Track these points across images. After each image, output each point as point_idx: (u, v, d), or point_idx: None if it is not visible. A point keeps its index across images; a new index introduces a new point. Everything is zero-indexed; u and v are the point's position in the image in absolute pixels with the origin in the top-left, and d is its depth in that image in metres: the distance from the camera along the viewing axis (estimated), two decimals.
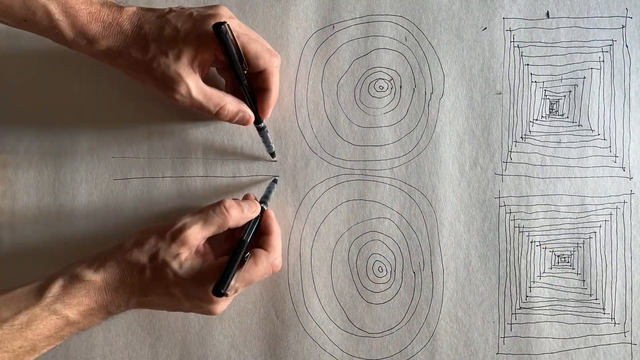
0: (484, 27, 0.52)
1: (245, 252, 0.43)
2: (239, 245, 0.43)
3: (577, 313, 0.51)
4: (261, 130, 0.48)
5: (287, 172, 0.51)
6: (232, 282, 0.40)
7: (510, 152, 0.51)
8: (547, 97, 0.52)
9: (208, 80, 0.45)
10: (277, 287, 0.50)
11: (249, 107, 0.46)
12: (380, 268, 0.51)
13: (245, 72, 0.44)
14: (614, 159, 0.52)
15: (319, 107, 0.51)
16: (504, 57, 0.51)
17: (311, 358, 0.50)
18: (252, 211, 0.46)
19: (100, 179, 0.50)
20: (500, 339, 0.50)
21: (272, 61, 0.44)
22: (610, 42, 0.52)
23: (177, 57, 0.42)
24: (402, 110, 0.51)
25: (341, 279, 0.51)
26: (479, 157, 0.51)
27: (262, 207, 0.47)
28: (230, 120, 0.46)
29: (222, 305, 0.43)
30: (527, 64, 0.52)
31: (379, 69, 0.51)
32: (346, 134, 0.51)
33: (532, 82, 0.52)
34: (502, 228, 0.51)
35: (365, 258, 0.51)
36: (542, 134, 0.51)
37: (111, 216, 0.50)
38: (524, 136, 0.51)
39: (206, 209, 0.44)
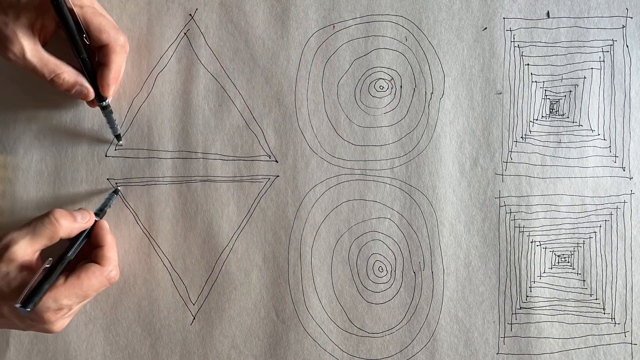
0: (484, 27, 0.52)
1: (73, 265, 0.42)
2: (58, 259, 0.42)
3: (577, 313, 0.51)
4: (104, 109, 0.47)
5: (287, 172, 0.51)
6: (59, 298, 0.40)
7: (511, 152, 0.51)
8: (548, 97, 0.52)
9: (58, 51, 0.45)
10: (277, 287, 0.50)
11: (89, 82, 0.45)
12: (380, 268, 0.51)
13: (87, 45, 0.44)
14: (614, 159, 0.52)
15: (319, 107, 0.51)
16: (504, 57, 0.51)
17: (311, 358, 0.50)
18: (85, 220, 0.44)
19: (100, 179, 0.50)
20: (500, 338, 0.50)
21: (115, 38, 0.44)
22: (611, 42, 0.52)
23: (16, 17, 0.41)
24: (402, 110, 0.51)
25: (341, 279, 0.51)
26: (479, 157, 0.51)
27: (95, 219, 0.46)
28: (68, 91, 0.45)
29: (59, 323, 0.42)
30: (528, 64, 0.52)
31: (379, 69, 0.51)
32: (346, 134, 0.51)
33: (532, 82, 0.52)
34: (503, 228, 0.51)
35: (365, 258, 0.51)
36: (543, 133, 0.51)
37: (111, 216, 0.50)
38: (524, 136, 0.51)
39: (34, 221, 0.42)
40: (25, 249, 0.41)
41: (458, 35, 0.51)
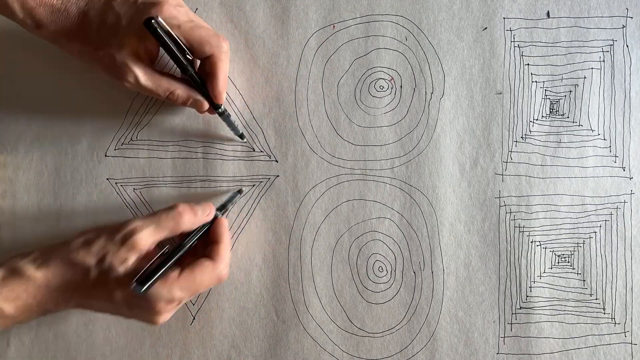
0: (484, 27, 0.52)
1: (188, 259, 0.43)
2: (175, 248, 0.42)
3: (577, 313, 0.51)
4: (222, 115, 0.47)
5: (287, 172, 0.51)
6: (172, 289, 0.40)
7: (511, 152, 0.51)
8: (548, 97, 0.52)
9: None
10: (278, 287, 0.50)
11: (200, 94, 0.45)
12: (380, 268, 0.51)
13: (191, 59, 0.44)
14: (614, 159, 0.52)
15: (319, 107, 0.51)
16: (505, 57, 0.51)
17: (311, 358, 0.50)
18: (205, 215, 0.45)
19: (100, 179, 0.50)
20: (500, 338, 0.50)
21: (219, 46, 0.44)
22: (611, 42, 0.52)
23: (120, 47, 0.42)
24: (402, 110, 0.51)
25: (341, 279, 0.51)
26: (480, 157, 0.51)
27: (216, 214, 0.46)
28: (184, 104, 0.46)
29: (164, 316, 0.43)
30: (528, 64, 0.52)
31: (379, 69, 0.51)
32: (346, 133, 0.51)
33: (532, 82, 0.52)
34: (503, 228, 0.51)
35: (365, 258, 0.51)
36: (543, 133, 0.51)
37: (111, 216, 0.50)
38: (524, 136, 0.51)
39: (159, 213, 0.43)
40: (148, 239, 0.41)
41: (458, 35, 0.51)
